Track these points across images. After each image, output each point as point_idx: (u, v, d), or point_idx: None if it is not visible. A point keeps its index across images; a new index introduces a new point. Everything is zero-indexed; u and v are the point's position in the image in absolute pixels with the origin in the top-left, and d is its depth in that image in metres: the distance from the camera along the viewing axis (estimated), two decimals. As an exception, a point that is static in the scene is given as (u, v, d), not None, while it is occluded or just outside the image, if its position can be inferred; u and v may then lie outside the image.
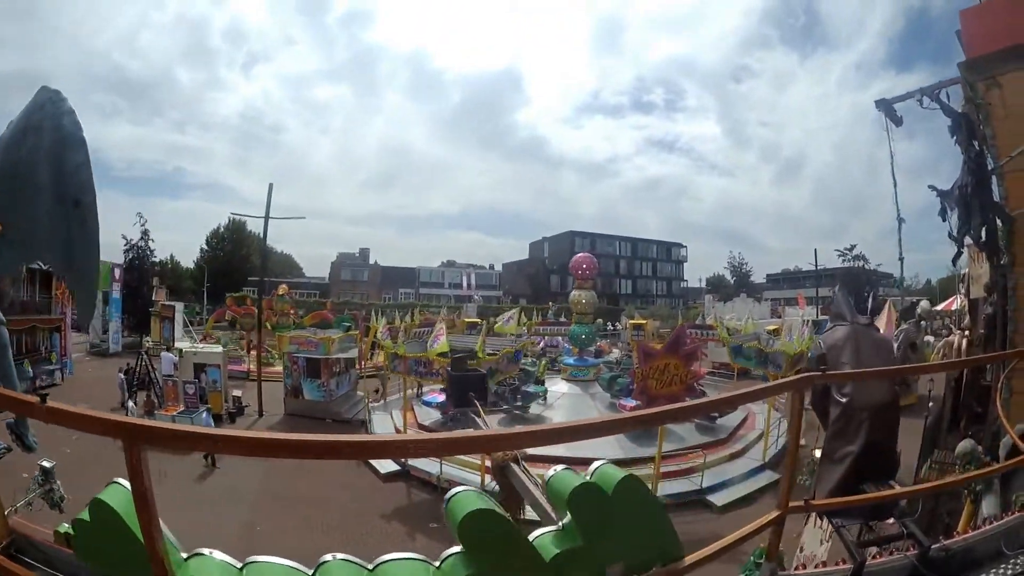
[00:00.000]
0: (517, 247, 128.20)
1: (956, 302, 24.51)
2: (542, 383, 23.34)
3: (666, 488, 14.74)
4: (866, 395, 5.20)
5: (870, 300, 32.20)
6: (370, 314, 31.14)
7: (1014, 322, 8.66)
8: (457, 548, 2.31)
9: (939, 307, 30.73)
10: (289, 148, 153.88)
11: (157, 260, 58.37)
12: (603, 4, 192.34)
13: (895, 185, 12.02)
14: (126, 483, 1.94)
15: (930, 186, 9.65)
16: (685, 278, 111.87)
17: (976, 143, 8.83)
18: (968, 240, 9.35)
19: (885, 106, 10.45)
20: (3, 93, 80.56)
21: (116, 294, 42.26)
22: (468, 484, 13.64)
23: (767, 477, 15.80)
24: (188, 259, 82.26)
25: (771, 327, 24.67)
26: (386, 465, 16.28)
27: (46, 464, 6.70)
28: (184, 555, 2.16)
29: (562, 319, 36.59)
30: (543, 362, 26.91)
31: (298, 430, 15.39)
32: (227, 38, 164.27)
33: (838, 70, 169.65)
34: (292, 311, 33.51)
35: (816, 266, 69.30)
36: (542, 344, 33.45)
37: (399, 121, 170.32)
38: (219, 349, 26.64)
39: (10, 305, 26.90)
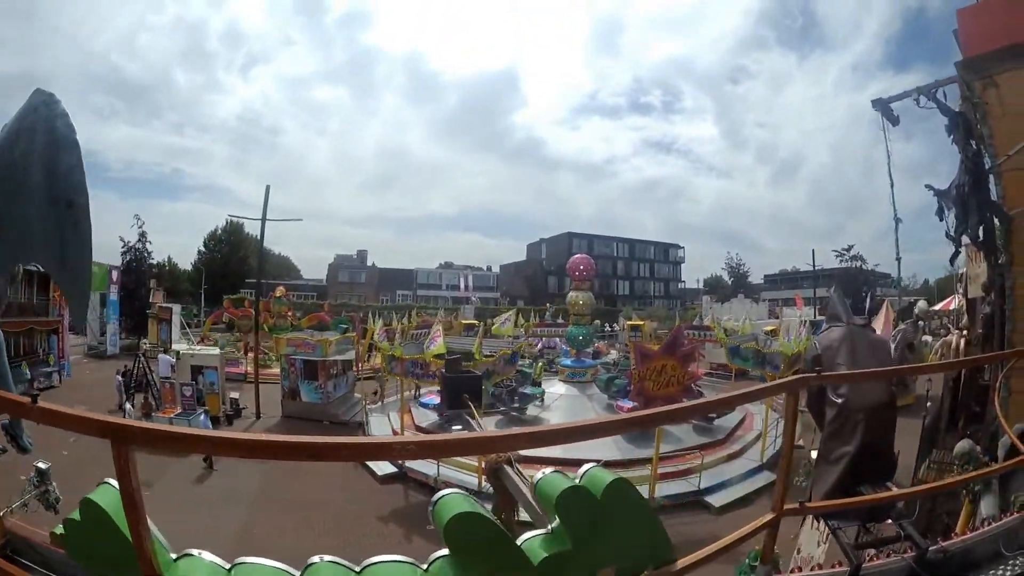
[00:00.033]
0: (515, 248, 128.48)
1: (954, 302, 24.55)
2: (539, 385, 23.34)
3: (664, 489, 14.77)
4: (862, 396, 5.19)
5: (868, 300, 32.27)
6: (367, 316, 31.09)
7: (1012, 321, 8.65)
8: (445, 551, 2.30)
9: (937, 307, 30.70)
10: (287, 150, 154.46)
11: (155, 262, 58.65)
12: (600, 5, 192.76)
13: (892, 185, 12.02)
14: (116, 483, 1.94)
15: (927, 185, 9.64)
16: (683, 279, 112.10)
17: (973, 142, 8.82)
18: (966, 239, 9.34)
19: (882, 106, 10.44)
20: (2, 94, 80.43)
21: (114, 296, 42.28)
22: (465, 486, 13.63)
23: (765, 478, 15.76)
24: (186, 261, 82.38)
25: (769, 328, 24.63)
26: (383, 467, 16.25)
27: (41, 465, 6.68)
28: (174, 555, 2.16)
29: (559, 320, 36.55)
30: (539, 364, 26.91)
31: (295, 432, 15.33)
32: (225, 40, 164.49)
33: (835, 71, 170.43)
34: (290, 313, 33.46)
35: (814, 267, 69.44)
36: (540, 345, 33.43)
37: (397, 122, 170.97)
38: (216, 351, 26.57)
39: (8, 307, 26.91)
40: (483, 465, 9.65)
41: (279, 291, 36.16)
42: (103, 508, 2.11)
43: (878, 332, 13.40)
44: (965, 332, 12.50)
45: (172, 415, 20.48)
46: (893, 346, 19.80)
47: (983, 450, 6.80)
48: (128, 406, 20.99)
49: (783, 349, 18.02)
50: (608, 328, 56.41)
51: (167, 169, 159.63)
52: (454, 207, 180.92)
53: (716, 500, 14.65)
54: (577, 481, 2.58)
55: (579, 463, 2.94)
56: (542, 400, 22.16)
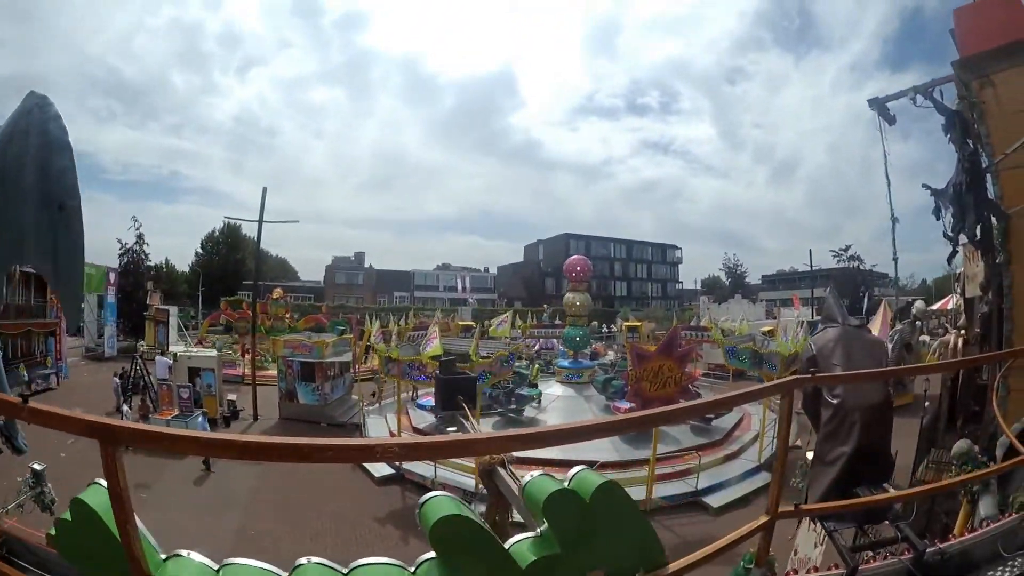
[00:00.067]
0: (512, 250, 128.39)
1: (952, 301, 24.53)
2: (535, 386, 23.32)
3: (662, 490, 14.76)
4: (858, 396, 5.18)
5: (865, 300, 32.27)
6: (364, 317, 31.05)
7: (1010, 320, 8.65)
8: (433, 553, 2.28)
9: (935, 307, 30.68)
10: (284, 152, 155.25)
11: (152, 264, 58.58)
12: (597, 7, 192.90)
13: (889, 184, 12.08)
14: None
15: (924, 185, 9.66)
16: (680, 280, 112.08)
17: (970, 141, 8.83)
18: (963, 239, 9.35)
19: (878, 105, 10.46)
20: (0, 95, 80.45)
21: (111, 298, 42.28)
22: (463, 487, 13.61)
23: (763, 478, 15.72)
24: (183, 263, 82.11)
25: (766, 328, 24.55)
26: (380, 469, 16.24)
27: (37, 467, 6.69)
28: (163, 556, 2.16)
29: (557, 322, 36.49)
30: (536, 366, 26.90)
31: (292, 434, 15.33)
32: (222, 42, 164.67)
33: (832, 71, 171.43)
34: (287, 315, 33.42)
35: (811, 267, 69.57)
36: (537, 347, 33.38)
37: (394, 124, 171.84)
38: (213, 353, 26.52)
39: (5, 309, 26.91)
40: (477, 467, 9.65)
41: (276, 293, 36.11)
42: (93, 508, 2.11)
43: (875, 332, 13.43)
44: (963, 332, 12.49)
45: (169, 417, 20.44)
46: (891, 346, 19.82)
47: (982, 450, 6.79)
48: (126, 408, 21.04)
49: (780, 349, 18.01)
50: (605, 329, 56.44)
51: (164, 171, 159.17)
52: (452, 208, 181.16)
53: (714, 501, 14.65)
54: (566, 484, 2.56)
55: (579, 464, 2.92)
56: (539, 401, 22.12)
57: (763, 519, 3.04)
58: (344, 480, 15.92)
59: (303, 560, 2.19)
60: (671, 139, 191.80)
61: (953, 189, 8.99)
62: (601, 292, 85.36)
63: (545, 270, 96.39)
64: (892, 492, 4.84)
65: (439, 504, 2.37)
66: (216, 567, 2.14)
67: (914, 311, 26.47)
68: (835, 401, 5.20)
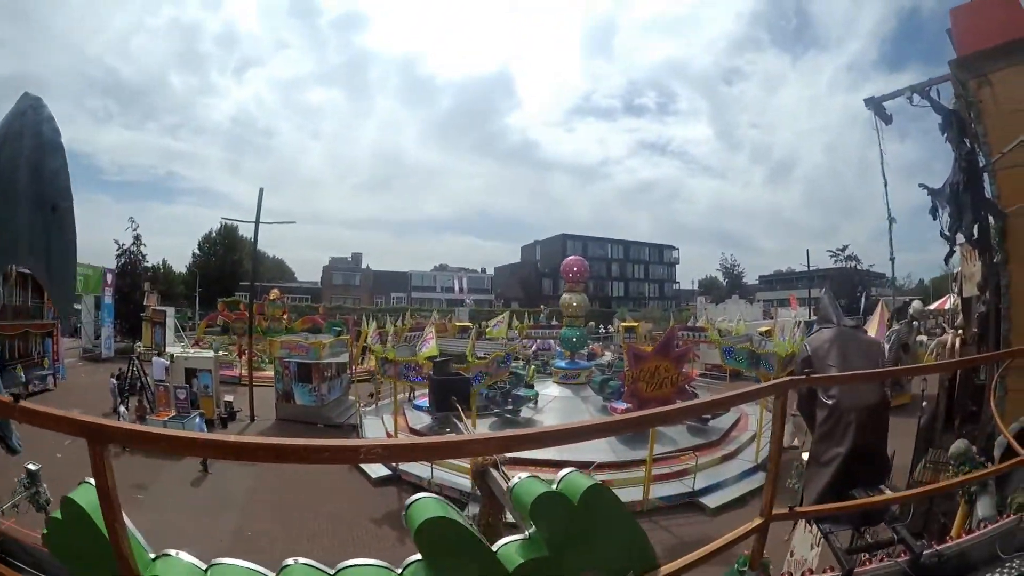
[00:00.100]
0: (509, 250, 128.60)
1: (949, 301, 24.54)
2: (531, 387, 23.30)
3: (658, 491, 14.75)
4: (853, 397, 5.16)
5: (863, 300, 32.27)
6: (361, 318, 31.01)
7: (1008, 320, 8.64)
8: (420, 555, 2.26)
9: (932, 306, 30.69)
10: (282, 152, 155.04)
11: (149, 265, 58.42)
12: (594, 7, 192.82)
13: (885, 184, 12.08)
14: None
15: (921, 184, 9.66)
16: (677, 280, 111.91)
17: (967, 140, 8.84)
18: (960, 238, 9.34)
19: (875, 104, 10.47)
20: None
21: (108, 299, 42.26)
22: (460, 488, 13.57)
23: (760, 479, 15.67)
24: (180, 264, 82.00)
25: (763, 328, 24.58)
26: (377, 470, 16.24)
27: (32, 467, 6.67)
28: (152, 555, 2.15)
29: (554, 322, 36.47)
30: (532, 367, 26.88)
31: (289, 435, 15.29)
32: (219, 42, 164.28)
33: (829, 71, 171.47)
34: (284, 316, 33.40)
35: (808, 267, 69.63)
36: (534, 347, 33.35)
37: (392, 125, 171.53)
38: (210, 354, 26.49)
39: (2, 310, 26.90)
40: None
41: (273, 294, 36.04)
42: (83, 507, 2.11)
43: (872, 333, 13.41)
44: (960, 331, 12.49)
45: (166, 418, 20.38)
46: (888, 346, 19.80)
47: (979, 450, 6.78)
48: (123, 409, 21.03)
49: (777, 350, 18.01)
50: (602, 330, 56.48)
51: (162, 172, 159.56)
52: (449, 209, 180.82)
53: (711, 501, 14.64)
54: (555, 486, 2.54)
55: (575, 465, 2.90)
56: (536, 402, 22.10)
57: (757, 521, 3.02)
58: (341, 481, 15.90)
59: (290, 561, 2.18)
60: (668, 140, 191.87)
61: (950, 188, 8.99)
62: (598, 293, 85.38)
63: (542, 271, 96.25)
64: (888, 493, 4.83)
65: (425, 506, 2.35)
66: (204, 567, 2.12)
67: (911, 311, 26.50)
68: (830, 402, 5.19)
